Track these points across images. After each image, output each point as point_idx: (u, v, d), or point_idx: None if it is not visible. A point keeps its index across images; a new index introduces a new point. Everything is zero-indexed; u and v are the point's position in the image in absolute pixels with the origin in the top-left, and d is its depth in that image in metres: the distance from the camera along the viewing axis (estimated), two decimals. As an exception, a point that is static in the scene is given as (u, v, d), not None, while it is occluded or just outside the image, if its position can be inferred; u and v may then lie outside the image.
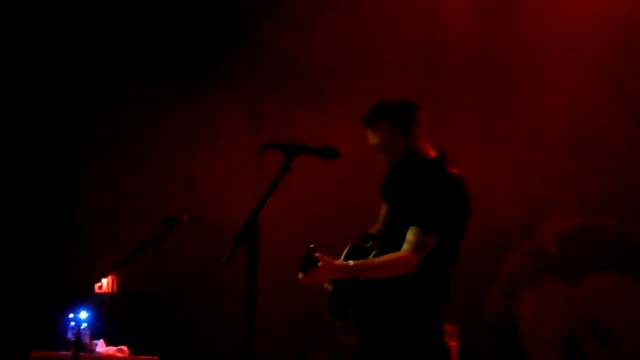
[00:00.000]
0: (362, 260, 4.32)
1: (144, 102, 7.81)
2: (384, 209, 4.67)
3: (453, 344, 4.40)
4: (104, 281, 7.42)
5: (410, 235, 4.28)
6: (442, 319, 4.37)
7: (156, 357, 6.63)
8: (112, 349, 6.86)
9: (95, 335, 6.94)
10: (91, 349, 6.83)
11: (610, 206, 7.02)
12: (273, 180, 4.12)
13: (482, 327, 7.19)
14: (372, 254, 4.39)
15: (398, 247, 4.29)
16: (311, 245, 4.19)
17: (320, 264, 4.21)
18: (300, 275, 4.26)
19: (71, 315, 6.82)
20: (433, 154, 4.49)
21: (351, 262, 4.29)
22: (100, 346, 6.87)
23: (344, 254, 4.46)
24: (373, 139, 4.46)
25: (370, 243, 4.52)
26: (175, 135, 7.74)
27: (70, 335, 6.78)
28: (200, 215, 5.38)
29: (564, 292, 7.03)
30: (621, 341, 6.91)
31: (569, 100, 7.01)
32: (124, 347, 6.88)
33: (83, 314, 6.84)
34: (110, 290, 7.50)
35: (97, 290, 7.41)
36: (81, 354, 6.45)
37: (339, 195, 6.60)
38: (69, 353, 6.55)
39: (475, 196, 6.88)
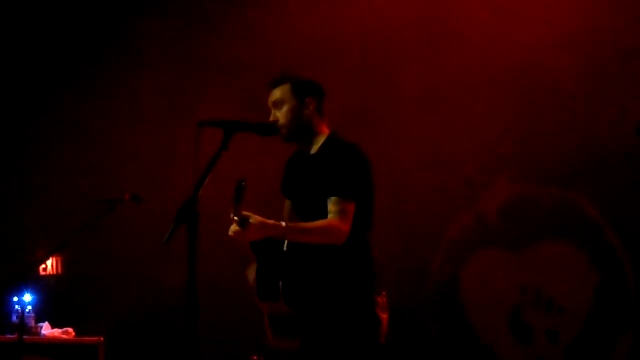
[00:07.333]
0: (294, 223, 4.34)
1: (78, 84, 7.76)
2: (287, 206, 4.71)
3: (384, 316, 4.40)
4: (48, 263, 7.36)
5: (331, 206, 4.31)
6: (373, 291, 4.38)
7: (101, 338, 6.59)
8: (57, 331, 6.81)
9: (39, 318, 6.88)
10: (36, 332, 6.77)
11: (553, 174, 7.05)
12: (211, 158, 4.10)
13: (425, 295, 7.22)
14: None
15: None
16: (243, 182, 4.11)
17: (251, 220, 4.16)
18: (231, 232, 4.20)
19: (15, 298, 6.77)
20: (326, 130, 4.55)
21: (283, 223, 4.27)
22: (45, 328, 6.82)
23: None
24: (271, 97, 4.55)
25: None
26: (111, 114, 7.71)
27: (14, 318, 6.73)
28: (140, 195, 5.38)
29: (507, 261, 7.07)
30: (565, 309, 6.97)
31: (518, 63, 7.02)
32: (69, 329, 6.83)
33: (27, 297, 6.79)
34: (54, 271, 7.43)
35: (41, 272, 7.35)
36: (26, 336, 6.40)
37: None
38: (13, 336, 6.50)
39: (421, 165, 7.04)
